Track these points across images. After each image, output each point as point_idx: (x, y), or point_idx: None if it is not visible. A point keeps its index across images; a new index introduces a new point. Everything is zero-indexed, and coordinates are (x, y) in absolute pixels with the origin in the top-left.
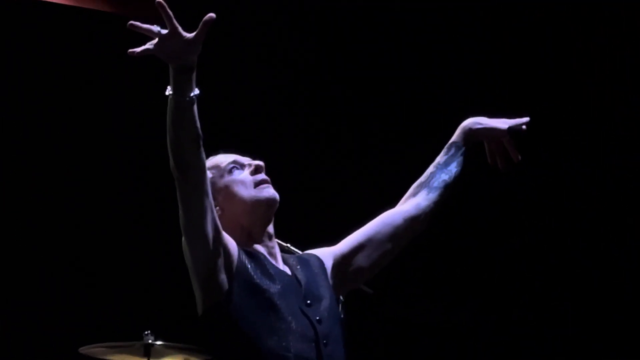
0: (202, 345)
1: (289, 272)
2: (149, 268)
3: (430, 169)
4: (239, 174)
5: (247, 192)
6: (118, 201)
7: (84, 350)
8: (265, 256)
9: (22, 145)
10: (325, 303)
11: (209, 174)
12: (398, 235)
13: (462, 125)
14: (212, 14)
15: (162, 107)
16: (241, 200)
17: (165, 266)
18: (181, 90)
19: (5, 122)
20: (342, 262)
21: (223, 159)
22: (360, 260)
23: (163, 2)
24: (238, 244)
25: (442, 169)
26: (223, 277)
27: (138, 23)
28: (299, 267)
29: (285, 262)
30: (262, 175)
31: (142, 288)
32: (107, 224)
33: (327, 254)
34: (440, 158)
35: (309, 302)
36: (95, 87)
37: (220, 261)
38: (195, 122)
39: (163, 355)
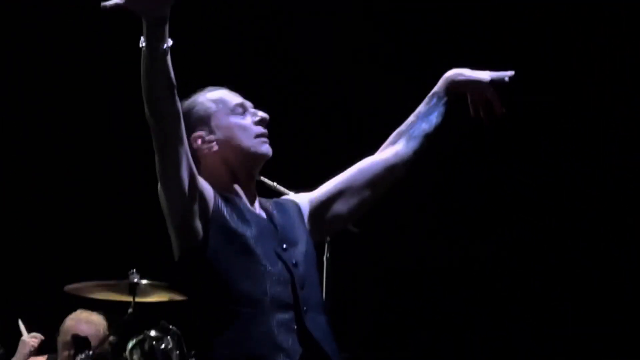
0: (179, 288)
1: (265, 216)
2: (135, 207)
3: (411, 118)
4: (243, 118)
5: (247, 140)
6: (104, 139)
7: (70, 288)
8: (242, 200)
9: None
10: (301, 247)
11: (213, 106)
12: (376, 182)
13: (445, 77)
14: None
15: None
16: (238, 146)
17: (151, 205)
18: (155, 42)
19: None
20: (320, 207)
21: (230, 97)
22: (338, 206)
23: None
24: (218, 183)
25: (422, 119)
26: (198, 222)
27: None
28: (275, 211)
29: (262, 206)
30: (263, 129)
31: (128, 227)
32: (93, 163)
33: (304, 200)
34: (421, 107)
35: (284, 246)
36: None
37: (196, 207)
38: (169, 72)
39: (148, 294)
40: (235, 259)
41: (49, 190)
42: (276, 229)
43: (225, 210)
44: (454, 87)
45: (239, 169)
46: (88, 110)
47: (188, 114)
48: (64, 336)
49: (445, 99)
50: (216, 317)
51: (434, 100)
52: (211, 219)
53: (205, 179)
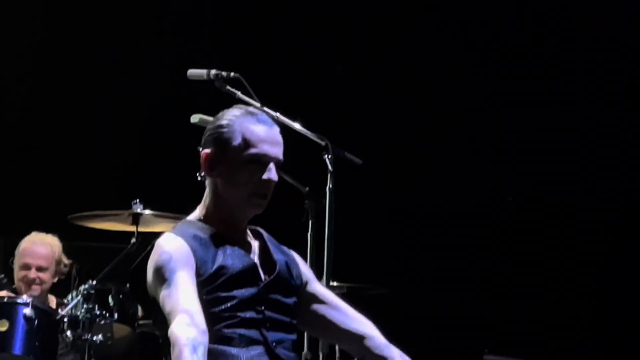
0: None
1: (251, 257)
2: (139, 137)
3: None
4: (252, 171)
5: (241, 193)
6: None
7: (73, 217)
8: (230, 241)
9: None
10: (286, 290)
11: (239, 139)
12: (325, 328)
13: None
14: None
15: None
16: (232, 193)
17: (155, 136)
18: None
19: None
20: (306, 295)
21: (260, 142)
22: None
23: None
24: (213, 209)
25: None
26: None
27: None
28: (272, 247)
29: (256, 237)
30: (265, 192)
31: (132, 157)
32: (99, 91)
33: (307, 271)
34: None
35: (267, 285)
36: None
37: None
38: None
39: (151, 224)
40: (210, 302)
41: (57, 125)
42: (267, 271)
43: (208, 264)
44: None
45: (225, 207)
46: None
47: (217, 126)
48: (19, 259)
49: None
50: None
51: None
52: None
53: None
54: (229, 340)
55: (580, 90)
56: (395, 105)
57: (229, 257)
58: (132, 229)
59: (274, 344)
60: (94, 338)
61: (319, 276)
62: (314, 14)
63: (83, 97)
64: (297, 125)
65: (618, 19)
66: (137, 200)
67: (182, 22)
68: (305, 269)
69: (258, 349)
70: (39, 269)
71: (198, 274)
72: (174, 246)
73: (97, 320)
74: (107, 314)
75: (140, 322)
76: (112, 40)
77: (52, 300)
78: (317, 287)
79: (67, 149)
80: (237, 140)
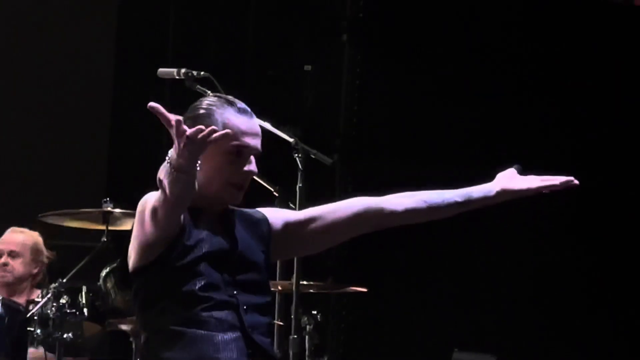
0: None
1: (224, 237)
2: (108, 135)
3: (448, 195)
4: (233, 162)
5: (221, 181)
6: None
7: (43, 216)
8: (203, 217)
9: None
10: (252, 271)
11: (220, 128)
12: (355, 224)
13: (499, 180)
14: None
15: None
16: (211, 178)
17: (124, 134)
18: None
19: None
20: (292, 229)
21: (238, 129)
22: (310, 233)
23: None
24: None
25: (459, 202)
26: (162, 249)
27: (160, 109)
28: (238, 225)
29: (226, 219)
30: (242, 182)
31: (101, 155)
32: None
33: (278, 216)
34: (466, 193)
35: (235, 270)
36: None
37: (167, 240)
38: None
39: (121, 223)
40: (184, 280)
41: (24, 123)
42: (232, 250)
43: (187, 235)
44: (504, 195)
45: (202, 190)
46: None
47: (197, 115)
48: None
49: (491, 199)
50: (163, 336)
51: (481, 196)
52: (174, 243)
53: None
54: (206, 325)
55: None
56: (367, 101)
57: (204, 234)
58: (102, 227)
59: (250, 329)
60: (64, 336)
61: (288, 275)
62: (284, 12)
63: (52, 94)
64: (267, 125)
65: None
66: (107, 198)
67: (150, 19)
68: (277, 214)
69: (236, 333)
70: (11, 253)
71: (179, 235)
72: None
73: (67, 318)
74: (77, 312)
75: (111, 320)
76: (78, 36)
77: (35, 293)
78: (299, 215)
79: (36, 147)
80: (228, 128)
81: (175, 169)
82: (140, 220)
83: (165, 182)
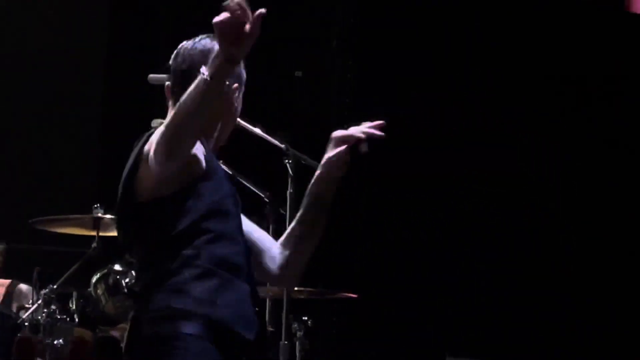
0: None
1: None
2: (99, 141)
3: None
4: (237, 99)
5: (227, 120)
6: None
7: (34, 222)
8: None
9: None
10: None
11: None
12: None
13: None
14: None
15: None
16: (222, 116)
17: (115, 140)
18: (221, 77)
19: None
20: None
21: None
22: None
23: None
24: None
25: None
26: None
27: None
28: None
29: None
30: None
31: (92, 161)
32: (53, 97)
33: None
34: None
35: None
36: None
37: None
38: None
39: (112, 229)
40: (219, 220)
41: (14, 125)
42: (235, 194)
43: (214, 170)
44: (329, 164)
45: (214, 129)
46: None
47: (206, 50)
48: None
49: (321, 176)
50: (191, 274)
51: (313, 181)
52: (205, 174)
53: None
54: (237, 270)
55: None
56: (357, 107)
57: (221, 170)
58: (93, 233)
59: (254, 285)
60: (55, 342)
61: None
62: (274, 18)
63: (42, 100)
64: (257, 130)
65: None
66: (98, 204)
67: (141, 25)
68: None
69: (249, 288)
70: None
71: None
72: None
73: (58, 324)
74: (68, 318)
75: (101, 326)
76: (69, 42)
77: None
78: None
79: (26, 154)
80: (234, 77)
81: (226, 59)
82: (155, 150)
83: (195, 93)
